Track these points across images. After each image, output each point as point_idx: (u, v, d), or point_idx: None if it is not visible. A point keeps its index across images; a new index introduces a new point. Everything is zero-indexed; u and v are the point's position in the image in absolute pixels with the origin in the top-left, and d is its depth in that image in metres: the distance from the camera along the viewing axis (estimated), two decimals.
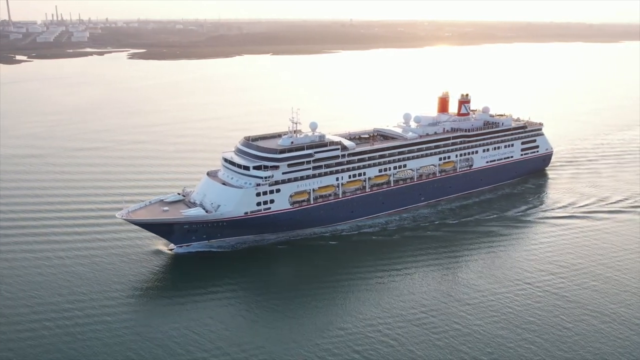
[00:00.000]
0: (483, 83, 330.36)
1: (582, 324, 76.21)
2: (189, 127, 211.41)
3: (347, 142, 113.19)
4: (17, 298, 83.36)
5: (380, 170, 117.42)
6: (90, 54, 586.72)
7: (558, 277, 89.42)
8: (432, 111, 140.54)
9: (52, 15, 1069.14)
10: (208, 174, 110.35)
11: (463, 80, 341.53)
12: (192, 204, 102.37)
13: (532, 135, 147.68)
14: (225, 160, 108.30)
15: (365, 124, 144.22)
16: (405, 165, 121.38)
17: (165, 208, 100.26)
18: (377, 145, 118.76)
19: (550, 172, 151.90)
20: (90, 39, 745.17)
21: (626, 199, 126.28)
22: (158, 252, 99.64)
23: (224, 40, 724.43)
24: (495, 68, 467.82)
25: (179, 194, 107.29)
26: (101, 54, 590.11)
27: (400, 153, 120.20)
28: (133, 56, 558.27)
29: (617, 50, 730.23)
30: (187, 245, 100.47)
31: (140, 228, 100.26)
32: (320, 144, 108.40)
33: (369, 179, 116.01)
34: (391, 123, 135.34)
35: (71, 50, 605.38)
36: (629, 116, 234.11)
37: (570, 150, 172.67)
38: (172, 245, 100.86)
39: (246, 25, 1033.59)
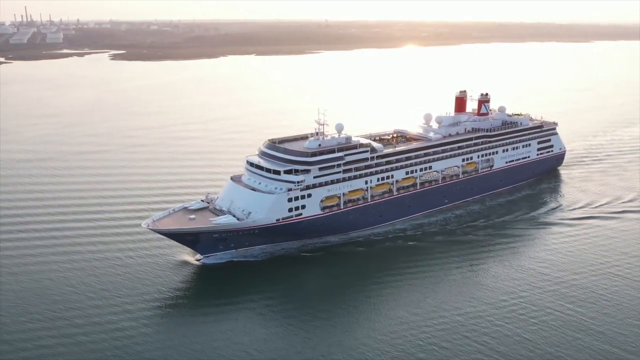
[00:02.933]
0: (481, 81, 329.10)
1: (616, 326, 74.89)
2: (198, 129, 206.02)
3: (375, 144, 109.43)
4: (38, 309, 79.34)
5: (407, 173, 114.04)
6: (70, 55, 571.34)
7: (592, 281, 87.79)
8: (444, 110, 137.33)
9: (22, 16, 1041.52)
10: (232, 178, 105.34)
11: (461, 79, 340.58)
12: (219, 211, 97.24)
13: (547, 135, 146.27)
14: (251, 164, 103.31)
15: (377, 125, 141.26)
16: (430, 167, 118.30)
17: (192, 216, 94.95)
18: (405, 147, 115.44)
19: (564, 172, 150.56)
20: (65, 40, 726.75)
21: None
22: (184, 263, 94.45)
23: (204, 41, 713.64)
24: (483, 67, 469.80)
25: (202, 200, 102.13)
26: (81, 55, 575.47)
27: (426, 154, 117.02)
28: (115, 57, 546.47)
29: (591, 49, 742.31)
30: (214, 255, 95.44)
31: (163, 237, 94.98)
32: (350, 146, 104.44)
33: (397, 181, 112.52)
34: (404, 123, 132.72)
35: (47, 52, 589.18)
36: (630, 114, 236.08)
37: (580, 149, 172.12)
38: (198, 256, 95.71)
39: (221, 26, 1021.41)
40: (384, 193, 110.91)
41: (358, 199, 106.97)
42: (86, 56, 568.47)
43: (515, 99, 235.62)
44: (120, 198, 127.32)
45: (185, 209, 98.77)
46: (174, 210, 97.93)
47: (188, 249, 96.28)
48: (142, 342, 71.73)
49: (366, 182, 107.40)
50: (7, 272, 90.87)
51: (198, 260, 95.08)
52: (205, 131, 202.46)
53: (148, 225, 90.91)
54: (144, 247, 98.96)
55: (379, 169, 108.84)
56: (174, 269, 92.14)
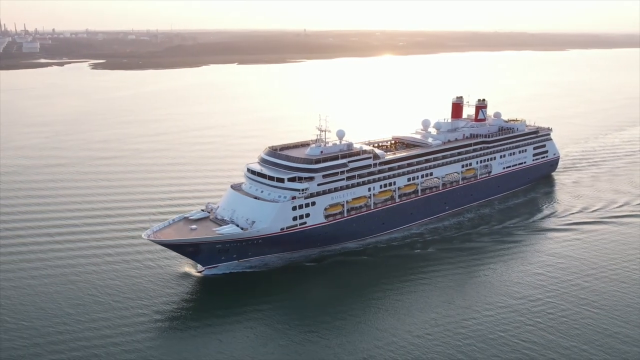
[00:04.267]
0: (467, 88, 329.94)
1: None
2: (193, 137, 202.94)
3: (378, 151, 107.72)
4: (34, 321, 76.50)
5: (409, 179, 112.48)
6: (48, 64, 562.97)
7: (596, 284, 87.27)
8: (438, 116, 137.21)
9: None
10: (232, 187, 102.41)
11: (447, 86, 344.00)
12: (221, 221, 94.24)
13: (542, 140, 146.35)
14: (252, 172, 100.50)
15: (373, 131, 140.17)
16: (431, 174, 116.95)
17: (194, 226, 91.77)
18: (407, 153, 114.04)
19: (557, 177, 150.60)
20: (42, 50, 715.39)
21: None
22: (186, 275, 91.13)
23: (184, 51, 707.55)
24: (465, 74, 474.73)
25: (202, 210, 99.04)
26: (60, 64, 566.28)
27: (427, 161, 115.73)
28: (96, 66, 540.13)
29: (567, 57, 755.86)
30: (216, 266, 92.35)
31: (164, 248, 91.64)
32: (353, 152, 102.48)
33: (399, 188, 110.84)
34: (400, 129, 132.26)
35: (25, 62, 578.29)
36: (617, 118, 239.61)
37: (573, 154, 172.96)
38: (200, 267, 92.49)
39: (198, 36, 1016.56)
40: (386, 200, 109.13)
41: (361, 207, 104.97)
42: (66, 65, 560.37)
43: (502, 105, 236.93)
44: (119, 203, 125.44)
45: (185, 219, 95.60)
46: (174, 220, 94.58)
47: (189, 260, 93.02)
48: (142, 354, 69.28)
49: (369, 189, 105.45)
50: (8, 282, 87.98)
51: (200, 272, 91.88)
52: (201, 138, 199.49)
53: (149, 236, 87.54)
54: (144, 259, 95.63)
55: (381, 175, 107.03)
56: (175, 281, 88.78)
